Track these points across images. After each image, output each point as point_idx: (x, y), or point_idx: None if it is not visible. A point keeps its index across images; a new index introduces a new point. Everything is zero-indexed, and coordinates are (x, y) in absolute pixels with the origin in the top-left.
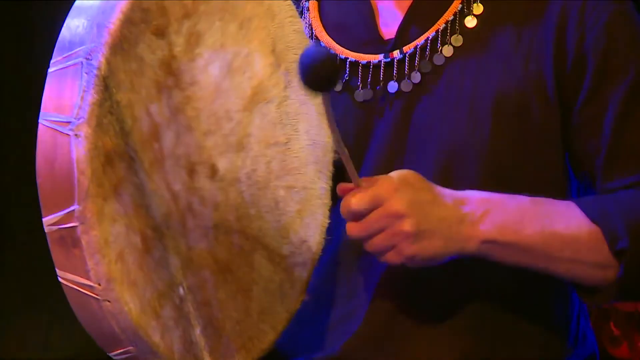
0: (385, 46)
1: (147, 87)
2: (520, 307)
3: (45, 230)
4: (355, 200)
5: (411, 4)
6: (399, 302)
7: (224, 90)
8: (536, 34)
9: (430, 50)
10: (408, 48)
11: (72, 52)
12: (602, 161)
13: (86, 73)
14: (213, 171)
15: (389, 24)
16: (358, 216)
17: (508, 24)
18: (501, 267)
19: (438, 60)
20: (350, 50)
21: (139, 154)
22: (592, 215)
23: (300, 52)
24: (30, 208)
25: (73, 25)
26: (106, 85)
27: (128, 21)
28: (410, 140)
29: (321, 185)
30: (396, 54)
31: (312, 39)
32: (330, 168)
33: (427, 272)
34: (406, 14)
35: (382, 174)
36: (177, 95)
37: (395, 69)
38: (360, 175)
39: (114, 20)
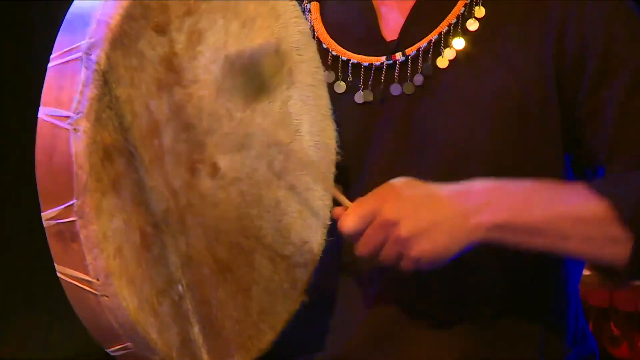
0: (387, 48)
1: (147, 83)
2: (518, 307)
3: (44, 225)
4: (346, 222)
5: (413, 6)
6: (399, 304)
7: (225, 89)
8: (537, 35)
9: (432, 52)
10: (410, 50)
11: (72, 46)
12: (606, 154)
13: (86, 68)
14: (214, 169)
15: (391, 26)
16: (356, 236)
17: (510, 27)
18: (499, 267)
19: (440, 63)
20: (352, 52)
21: (138, 149)
22: (601, 190)
23: (305, 52)
24: (30, 208)
25: (73, 19)
26: (105, 80)
27: (129, 17)
28: (413, 142)
29: (322, 186)
30: (398, 56)
31: (313, 40)
32: (333, 169)
33: (426, 273)
34: (408, 16)
35: (384, 175)
36: (178, 93)
37: (397, 71)
38: (363, 175)
39: (115, 16)
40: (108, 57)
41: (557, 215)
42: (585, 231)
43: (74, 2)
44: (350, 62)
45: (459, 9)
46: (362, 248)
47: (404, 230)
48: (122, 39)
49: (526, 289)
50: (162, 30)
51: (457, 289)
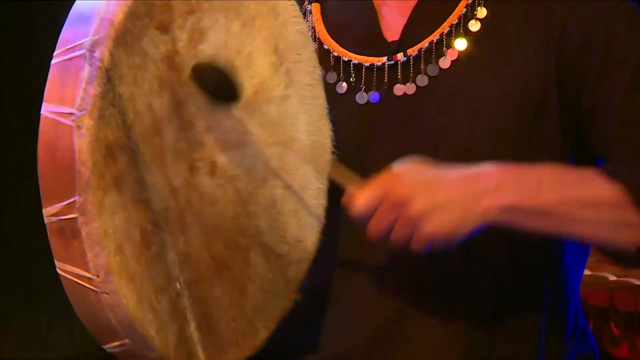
0: (388, 48)
1: (149, 81)
2: (518, 306)
3: (45, 221)
4: (358, 202)
5: (415, 7)
6: (399, 303)
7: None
8: (539, 35)
9: (434, 53)
10: (412, 51)
11: (76, 44)
12: (608, 151)
13: (89, 65)
14: (213, 168)
15: (392, 26)
16: (368, 216)
17: (511, 27)
18: (499, 266)
19: (442, 64)
20: (353, 53)
21: (140, 147)
22: (612, 174)
23: (303, 52)
24: (31, 208)
25: (77, 16)
26: (109, 78)
27: (132, 15)
28: (415, 142)
29: (317, 186)
30: (400, 56)
31: (314, 41)
32: (327, 168)
33: (425, 272)
34: (410, 16)
35: None
36: (179, 91)
37: (399, 71)
38: (364, 176)
39: (118, 13)
40: (111, 55)
41: (568, 199)
42: (596, 215)
43: None
44: (351, 62)
45: (460, 9)
46: (374, 228)
47: (416, 208)
48: (126, 37)
49: (526, 287)
50: (165, 28)
51: (456, 289)
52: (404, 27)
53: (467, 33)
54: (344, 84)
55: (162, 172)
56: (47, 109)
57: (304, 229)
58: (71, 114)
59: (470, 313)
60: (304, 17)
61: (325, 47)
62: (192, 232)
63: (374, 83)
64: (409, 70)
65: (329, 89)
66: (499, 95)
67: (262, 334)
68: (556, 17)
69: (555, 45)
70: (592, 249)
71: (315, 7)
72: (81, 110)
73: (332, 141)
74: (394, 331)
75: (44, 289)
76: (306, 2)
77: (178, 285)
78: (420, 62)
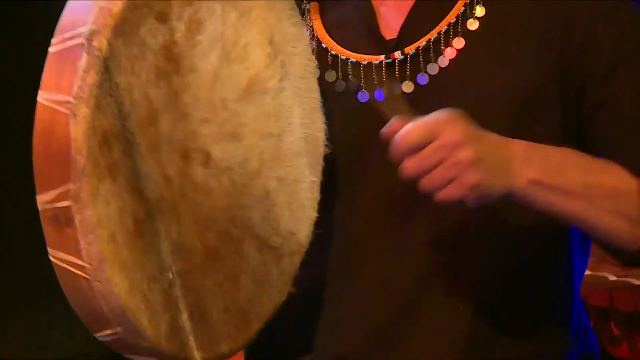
0: (386, 47)
1: (147, 71)
2: (520, 305)
3: (39, 209)
4: (412, 131)
5: (413, 5)
6: (398, 303)
7: (221, 78)
8: (540, 34)
9: (432, 52)
10: (410, 49)
11: (74, 32)
12: (610, 151)
13: (87, 54)
14: (207, 158)
15: (390, 25)
16: (414, 149)
17: (510, 26)
18: (503, 264)
19: (440, 62)
20: (351, 51)
21: (136, 137)
22: (636, 168)
23: (297, 44)
24: (31, 208)
25: (75, 5)
26: (106, 67)
27: (131, 5)
28: None
29: (311, 179)
30: (397, 54)
31: (313, 40)
32: (321, 162)
33: (426, 271)
34: (408, 15)
35: (386, 173)
36: (176, 81)
37: (396, 70)
38: (363, 174)
39: (117, 3)
40: (110, 44)
41: (591, 183)
42: (614, 205)
43: None
44: (349, 60)
45: (458, 8)
46: (414, 166)
47: (469, 152)
48: (124, 26)
49: (529, 286)
50: (163, 18)
51: (458, 287)
52: (402, 26)
53: (465, 32)
54: (343, 82)
55: (156, 161)
56: (43, 97)
57: (297, 222)
58: (68, 102)
59: (472, 312)
60: (303, 17)
61: (324, 45)
62: (185, 222)
63: (373, 82)
64: (406, 69)
65: (328, 87)
66: (498, 94)
67: (255, 326)
68: (558, 17)
69: (557, 44)
70: (593, 249)
71: (313, 6)
72: (78, 99)
73: (326, 134)
74: (393, 331)
75: (44, 289)
76: (305, 1)
77: (171, 275)
78: (418, 61)
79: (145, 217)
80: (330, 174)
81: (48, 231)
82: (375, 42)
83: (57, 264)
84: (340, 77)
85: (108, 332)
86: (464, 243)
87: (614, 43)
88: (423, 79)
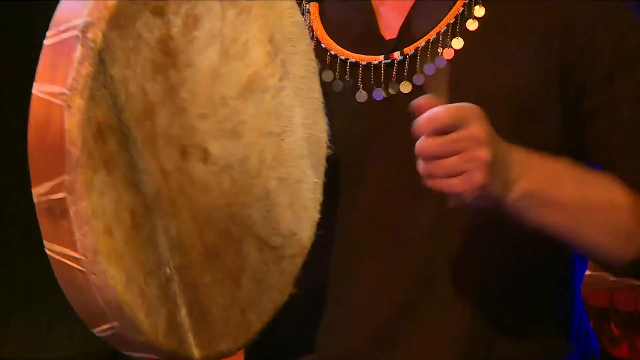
0: (385, 47)
1: (142, 65)
2: (521, 306)
3: (34, 201)
4: (442, 113)
5: (412, 6)
6: (399, 303)
7: (220, 75)
8: (539, 34)
9: (431, 52)
10: (409, 50)
11: (69, 25)
12: (614, 150)
13: (82, 45)
14: (205, 155)
15: (389, 25)
16: (439, 131)
17: (510, 26)
18: (504, 265)
19: (439, 63)
20: (350, 51)
21: (131, 130)
22: (633, 184)
23: (298, 44)
24: (31, 208)
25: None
26: (101, 59)
27: None
28: (412, 141)
29: (313, 180)
30: (396, 55)
31: (312, 40)
32: (323, 162)
33: (426, 271)
34: (407, 15)
35: (386, 173)
36: (172, 76)
37: (395, 70)
38: (362, 174)
39: None
40: (104, 37)
41: (586, 198)
42: (608, 219)
43: None
44: (348, 61)
45: (457, 8)
46: (432, 146)
47: (487, 152)
48: (119, 19)
49: (530, 285)
50: (159, 12)
51: (458, 287)
52: (401, 26)
53: (464, 32)
54: (340, 82)
55: (153, 156)
56: (38, 89)
57: (299, 222)
58: (62, 93)
59: (472, 312)
60: (302, 17)
61: (323, 45)
62: (184, 218)
63: (371, 82)
64: (405, 69)
65: (325, 87)
66: (497, 94)
67: (255, 326)
68: (558, 17)
69: (557, 44)
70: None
71: (313, 6)
72: (72, 90)
73: (328, 135)
74: (394, 331)
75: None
76: (304, 2)
77: (168, 270)
78: (417, 61)
79: (143, 211)
80: (331, 174)
81: (43, 224)
82: (374, 42)
83: (52, 257)
84: (338, 77)
85: (105, 326)
86: (464, 243)
87: (613, 44)
88: (421, 80)
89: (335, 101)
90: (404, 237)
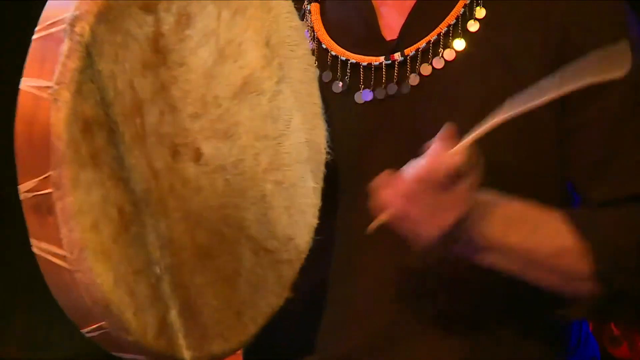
0: (386, 48)
1: (131, 61)
2: (520, 312)
3: (21, 198)
4: (460, 157)
5: (413, 6)
6: (400, 306)
7: (213, 75)
8: (538, 36)
9: (432, 53)
10: (409, 50)
11: (57, 19)
12: (587, 173)
13: (69, 39)
14: (197, 155)
15: (390, 25)
16: (452, 176)
17: (510, 28)
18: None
19: (439, 64)
20: (351, 52)
21: (120, 126)
22: (580, 229)
23: (297, 49)
24: None
25: None
26: (88, 53)
27: None
28: (412, 142)
29: (312, 185)
30: (397, 56)
31: (313, 40)
32: (322, 168)
33: (426, 274)
34: (408, 16)
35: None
36: (163, 74)
37: (396, 71)
38: (361, 175)
39: None
40: (92, 31)
41: (533, 244)
42: (554, 265)
43: None
44: (349, 61)
45: (458, 9)
46: (445, 171)
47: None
48: (108, 14)
49: (532, 291)
50: (149, 8)
51: (458, 292)
52: (402, 27)
53: (465, 33)
54: (340, 83)
55: (142, 153)
56: (26, 83)
57: (296, 227)
58: (49, 87)
59: (472, 317)
60: (303, 17)
61: (324, 46)
62: (175, 217)
63: (372, 82)
64: (405, 70)
65: (325, 88)
66: (496, 95)
67: (250, 329)
68: (557, 20)
69: (556, 48)
70: None
71: (314, 7)
72: (59, 84)
73: (327, 141)
74: (394, 334)
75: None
76: (305, 2)
77: (158, 270)
78: (418, 62)
79: (132, 208)
80: (331, 175)
81: (30, 221)
82: (375, 42)
83: (39, 256)
84: (339, 78)
85: (93, 326)
86: None
87: None
88: (421, 81)
89: (336, 102)
90: (403, 239)
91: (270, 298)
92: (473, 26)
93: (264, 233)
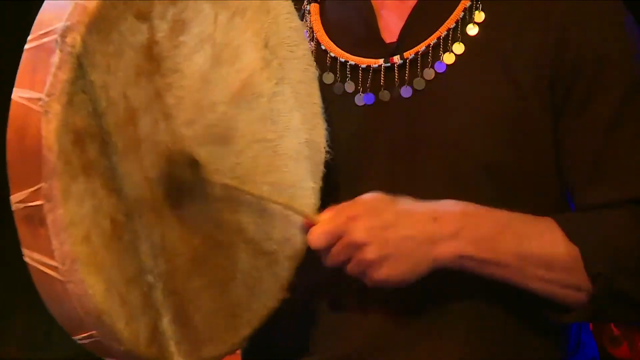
0: (386, 50)
1: (124, 70)
2: (519, 314)
3: (12, 208)
4: (313, 238)
5: (413, 8)
6: (398, 308)
7: (210, 81)
8: (537, 41)
9: (431, 57)
10: (409, 54)
11: (49, 29)
12: (582, 176)
13: (60, 50)
14: (192, 161)
15: (390, 27)
16: (323, 251)
17: (509, 32)
18: None
19: (439, 68)
20: (350, 54)
21: (112, 136)
22: (572, 235)
23: (296, 49)
24: None
25: (52, 3)
26: (80, 64)
27: (108, 2)
28: (410, 145)
29: (310, 185)
30: (396, 59)
31: (312, 41)
32: (321, 168)
33: (425, 279)
34: (408, 19)
35: (384, 177)
36: (157, 82)
37: (396, 74)
38: (361, 177)
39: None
40: (84, 41)
41: (522, 255)
42: (547, 274)
43: None
44: (348, 63)
45: (458, 13)
46: (328, 262)
47: (368, 254)
48: (100, 23)
49: (527, 295)
50: (143, 16)
51: (456, 296)
52: (401, 29)
53: (465, 37)
54: (341, 85)
55: (136, 162)
56: (17, 94)
57: (293, 228)
58: (40, 99)
59: (471, 320)
60: (303, 18)
61: (323, 47)
62: (168, 224)
63: (371, 85)
64: (405, 73)
65: (326, 89)
66: (495, 99)
67: (244, 332)
68: (557, 20)
69: (553, 52)
70: None
71: (314, 8)
72: (50, 96)
73: (327, 140)
74: (394, 333)
75: None
76: (305, 3)
77: (151, 278)
78: (417, 65)
79: (124, 218)
80: (329, 176)
81: (22, 231)
82: (374, 45)
83: (31, 265)
84: (339, 80)
85: (84, 334)
86: None
87: (597, 70)
88: (421, 84)
89: (336, 104)
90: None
91: (266, 300)
92: (472, 30)
93: (261, 235)
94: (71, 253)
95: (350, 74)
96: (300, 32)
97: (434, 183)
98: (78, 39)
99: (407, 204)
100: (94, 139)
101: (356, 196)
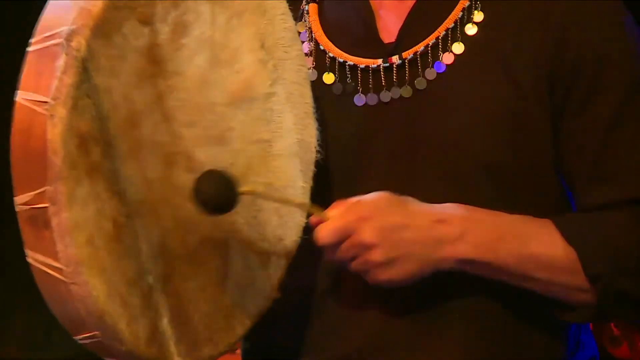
0: (384, 50)
1: (128, 73)
2: (519, 314)
3: (16, 210)
4: (322, 234)
5: (412, 8)
6: (399, 308)
7: (209, 82)
8: (536, 40)
9: (430, 57)
10: (407, 54)
11: (53, 32)
12: (583, 177)
13: (65, 54)
14: (191, 162)
15: (389, 27)
16: (330, 247)
17: (508, 32)
18: None
19: (438, 68)
20: (349, 54)
21: (116, 139)
22: (570, 237)
23: (290, 50)
24: None
25: (55, 6)
26: (85, 68)
27: (111, 5)
28: (410, 145)
29: (301, 184)
30: (395, 59)
31: (311, 41)
32: (312, 167)
33: (425, 279)
34: (406, 19)
35: (383, 177)
36: (159, 84)
37: (394, 74)
38: (360, 178)
39: (97, 3)
40: (89, 45)
41: (524, 258)
42: (549, 276)
43: None
44: (346, 63)
45: (457, 13)
46: (332, 258)
47: (377, 255)
48: (104, 27)
49: (526, 295)
50: (146, 20)
51: (457, 295)
52: (400, 30)
53: (464, 37)
54: (340, 85)
55: (138, 164)
56: (22, 96)
57: (285, 227)
58: (45, 102)
59: (471, 320)
60: (301, 18)
61: (321, 47)
62: (167, 225)
63: (370, 85)
64: (404, 73)
65: (326, 90)
66: (494, 99)
67: (238, 331)
68: (556, 20)
69: (552, 51)
70: None
71: (312, 8)
72: (55, 100)
73: (318, 140)
74: (393, 333)
75: None
76: (304, 3)
77: (151, 279)
78: (416, 66)
79: (125, 220)
80: (327, 177)
81: (26, 232)
82: (373, 45)
83: (34, 266)
84: (338, 80)
85: (86, 335)
86: None
87: (597, 70)
88: (421, 84)
89: (335, 104)
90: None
91: (259, 299)
92: (471, 30)
93: (254, 236)
94: (76, 255)
95: (349, 74)
96: (293, 32)
97: (433, 183)
98: (83, 42)
99: (414, 206)
100: (97, 142)
101: (355, 195)
